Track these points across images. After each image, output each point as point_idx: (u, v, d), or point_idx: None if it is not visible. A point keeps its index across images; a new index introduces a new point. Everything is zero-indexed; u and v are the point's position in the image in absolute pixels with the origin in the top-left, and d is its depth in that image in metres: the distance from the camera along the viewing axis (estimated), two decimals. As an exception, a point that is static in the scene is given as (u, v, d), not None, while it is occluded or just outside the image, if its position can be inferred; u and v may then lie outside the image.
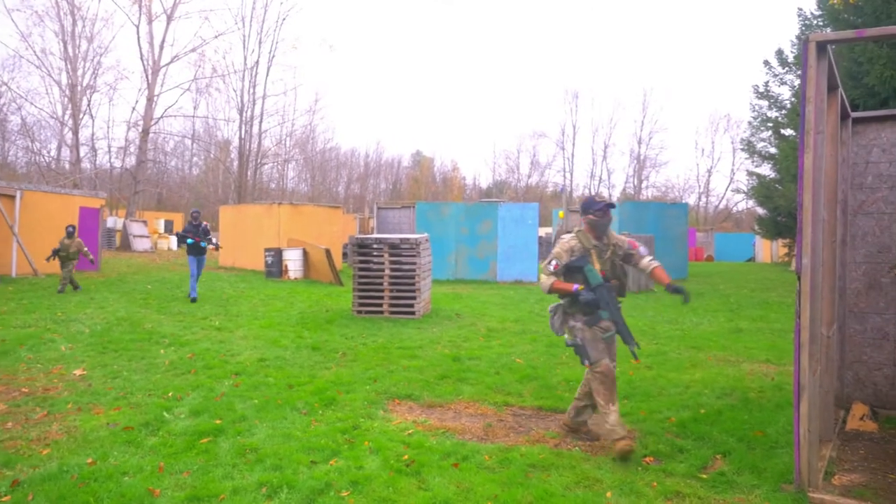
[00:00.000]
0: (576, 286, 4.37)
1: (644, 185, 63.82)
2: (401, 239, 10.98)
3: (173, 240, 37.97)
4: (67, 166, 37.28)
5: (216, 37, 37.86)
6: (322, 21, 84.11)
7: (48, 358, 7.17)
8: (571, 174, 65.61)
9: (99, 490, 3.62)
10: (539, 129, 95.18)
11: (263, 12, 42.28)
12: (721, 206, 63.81)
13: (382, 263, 10.89)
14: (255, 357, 7.40)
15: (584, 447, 4.55)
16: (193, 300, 12.49)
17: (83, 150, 38.06)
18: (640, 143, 63.55)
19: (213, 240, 13.09)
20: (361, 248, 11.06)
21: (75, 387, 6.00)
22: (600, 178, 66.77)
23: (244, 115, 41.43)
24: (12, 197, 17.02)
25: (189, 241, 12.63)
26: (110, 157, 41.98)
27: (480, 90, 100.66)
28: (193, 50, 36.79)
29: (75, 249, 14.25)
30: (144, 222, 34.14)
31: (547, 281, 4.43)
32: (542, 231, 34.17)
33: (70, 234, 14.44)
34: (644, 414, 5.34)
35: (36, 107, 38.13)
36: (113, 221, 36.29)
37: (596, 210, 4.49)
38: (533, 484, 3.83)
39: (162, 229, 42.30)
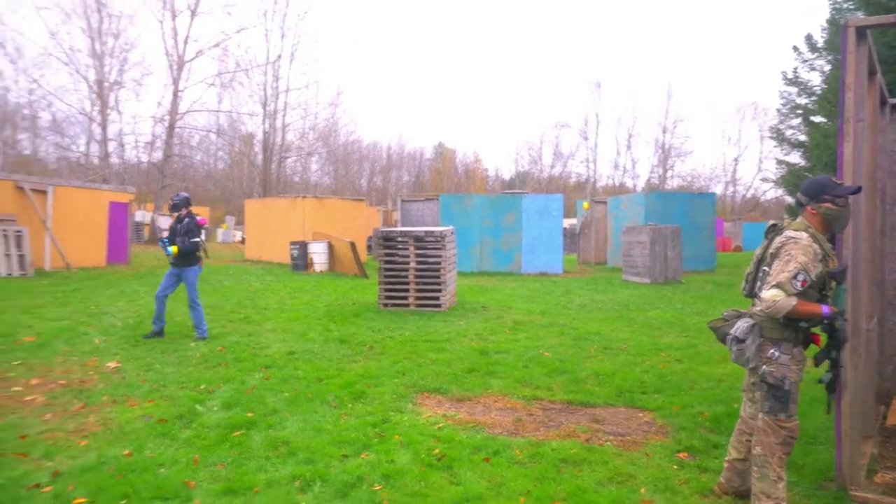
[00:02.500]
0: (825, 308, 3.17)
1: (669, 174, 63.01)
2: (426, 232, 10.97)
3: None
4: (96, 161, 37.82)
5: (239, 31, 38.19)
6: (343, 14, 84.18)
7: (83, 350, 7.30)
8: (595, 164, 65.06)
9: (136, 482, 3.67)
10: (562, 120, 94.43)
11: (285, 6, 42.57)
12: (749, 195, 62.85)
13: (408, 256, 10.89)
14: (284, 350, 7.46)
15: (615, 442, 4.51)
16: (153, 334, 8.09)
17: (111, 146, 38.68)
18: (664, 132, 62.64)
19: (196, 240, 8.18)
20: (387, 241, 11.07)
21: (110, 379, 6.10)
22: (624, 168, 66.14)
23: (267, 108, 41.76)
24: (44, 192, 17.34)
25: (164, 242, 8.16)
26: (137, 152, 42.53)
27: (502, 81, 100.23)
28: (217, 45, 37.16)
29: None
30: (171, 216, 34.59)
31: (788, 302, 3.10)
32: (566, 222, 33.97)
33: None
34: (676, 408, 5.27)
35: (65, 103, 38.75)
36: (141, 215, 36.90)
37: (839, 196, 3.27)
38: (565, 479, 3.81)
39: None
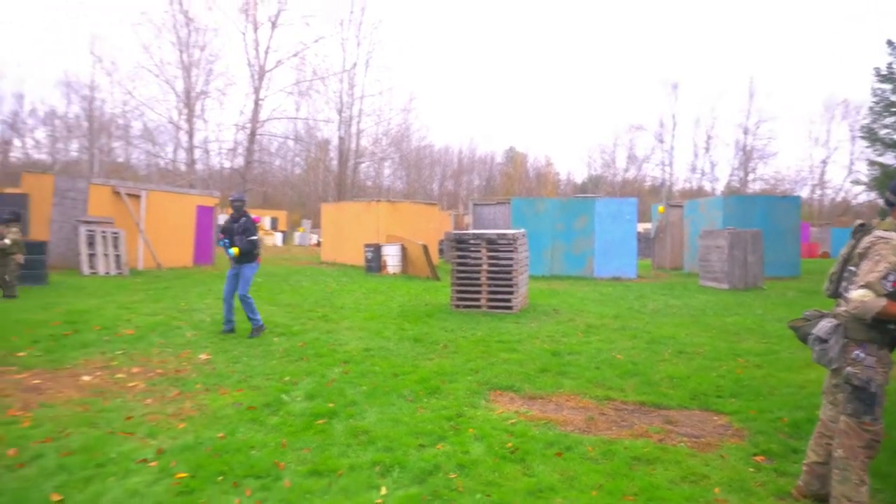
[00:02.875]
0: None
1: (751, 177, 60.52)
2: (498, 234, 11.09)
3: (278, 236, 39.97)
4: (183, 167, 39.92)
5: (316, 41, 39.53)
6: (416, 20, 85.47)
7: (177, 343, 7.82)
8: (671, 167, 63.49)
9: (231, 461, 3.97)
10: (636, 122, 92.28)
11: (361, 15, 43.72)
12: (838, 199, 59.69)
13: (480, 259, 11.03)
14: (361, 347, 7.74)
15: (689, 443, 4.49)
16: (226, 331, 8.49)
17: (197, 153, 40.68)
18: (745, 133, 60.28)
19: (254, 238, 8.56)
20: (459, 244, 11.25)
21: (202, 369, 6.53)
22: (702, 171, 64.10)
23: (343, 115, 42.98)
24: (138, 197, 18.52)
25: (226, 243, 8.49)
26: (221, 158, 44.58)
27: (574, 84, 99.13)
28: (296, 54, 38.48)
29: (14, 242, 11.20)
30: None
31: (877, 302, 3.07)
32: (641, 227, 33.29)
33: (5, 222, 11.30)
34: (754, 413, 5.19)
35: (155, 112, 41.09)
36: (223, 219, 38.64)
37: None
38: (637, 476, 3.85)
39: (267, 226, 44.61)
